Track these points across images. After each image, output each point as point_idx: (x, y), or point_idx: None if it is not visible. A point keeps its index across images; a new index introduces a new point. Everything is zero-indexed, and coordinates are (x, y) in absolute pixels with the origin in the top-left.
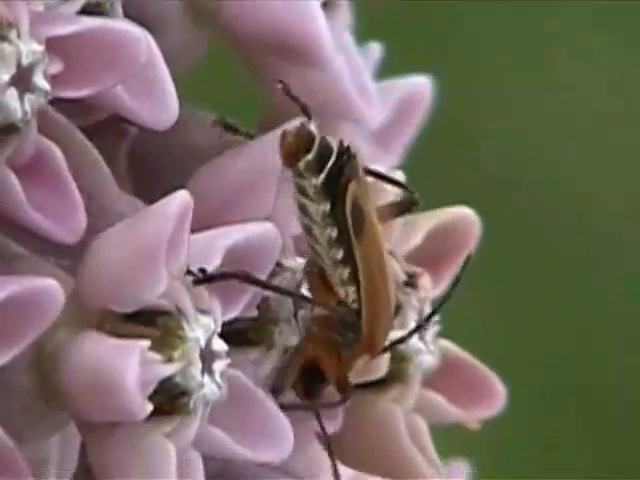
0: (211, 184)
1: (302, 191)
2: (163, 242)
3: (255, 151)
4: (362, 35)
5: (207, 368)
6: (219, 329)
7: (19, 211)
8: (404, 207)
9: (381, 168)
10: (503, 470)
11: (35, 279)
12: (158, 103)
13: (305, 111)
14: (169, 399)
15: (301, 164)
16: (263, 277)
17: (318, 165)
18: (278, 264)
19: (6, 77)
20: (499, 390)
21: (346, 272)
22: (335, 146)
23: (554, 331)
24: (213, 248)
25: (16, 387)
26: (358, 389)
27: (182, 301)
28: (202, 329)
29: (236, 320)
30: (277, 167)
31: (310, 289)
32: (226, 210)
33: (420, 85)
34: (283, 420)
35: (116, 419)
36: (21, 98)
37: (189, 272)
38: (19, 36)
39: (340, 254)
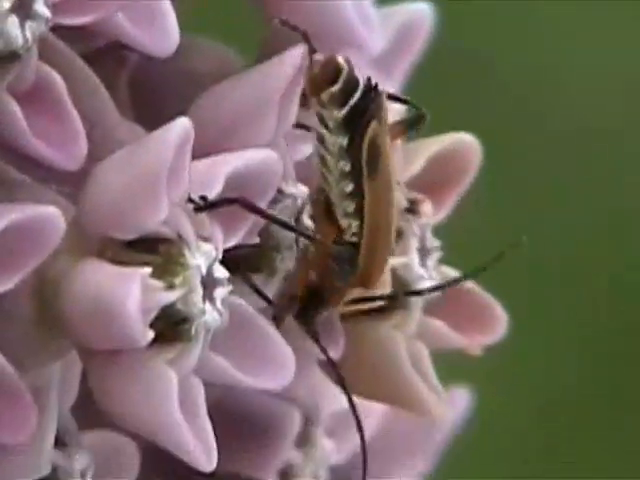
0: (212, 111)
1: (322, 121)
2: (164, 169)
3: (256, 78)
4: None
5: (208, 295)
6: (220, 256)
7: (20, 139)
8: (412, 123)
9: None
10: (505, 397)
11: (36, 207)
12: (159, 30)
13: (305, 38)
14: (170, 326)
15: (325, 95)
16: (264, 204)
17: (342, 98)
18: (279, 191)
19: (7, 4)
20: (501, 316)
21: (352, 206)
22: (362, 82)
23: (558, 248)
24: (214, 175)
25: (17, 315)
26: (359, 316)
27: (183, 228)
28: (203, 256)
29: (237, 247)
30: (278, 94)
31: (313, 216)
32: (227, 137)
33: (420, 12)
34: (285, 347)
35: (117, 346)
36: (22, 25)
37: (190, 200)
38: None
39: (349, 187)
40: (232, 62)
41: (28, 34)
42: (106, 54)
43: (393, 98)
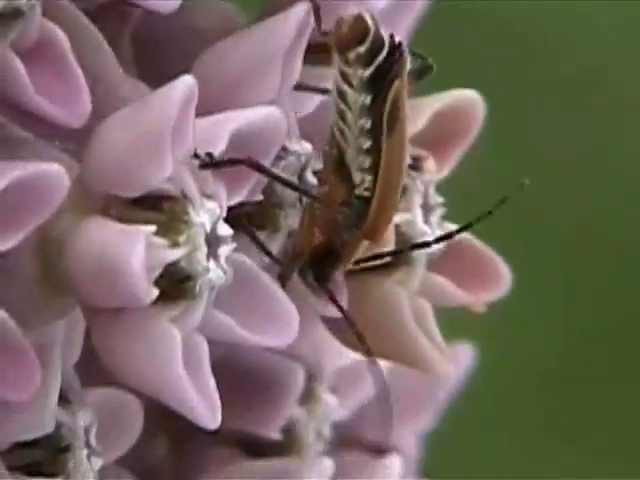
0: (215, 69)
1: (345, 78)
2: (168, 127)
3: (260, 35)
4: None
5: (212, 253)
6: (224, 214)
7: (24, 96)
8: (419, 73)
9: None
10: (507, 354)
11: (40, 164)
12: None
13: None
14: (174, 284)
15: (352, 54)
16: (268, 161)
17: (369, 58)
18: (283, 148)
19: None
20: (504, 272)
21: (368, 161)
22: (387, 41)
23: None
24: (218, 132)
25: (21, 273)
26: (363, 272)
27: (187, 186)
28: (207, 214)
29: (241, 204)
30: (282, 51)
31: (323, 169)
32: (231, 94)
33: None
34: (289, 304)
35: (121, 304)
36: None
37: (196, 155)
38: None
39: (367, 144)
40: (235, 18)
41: None
42: (109, 10)
43: None
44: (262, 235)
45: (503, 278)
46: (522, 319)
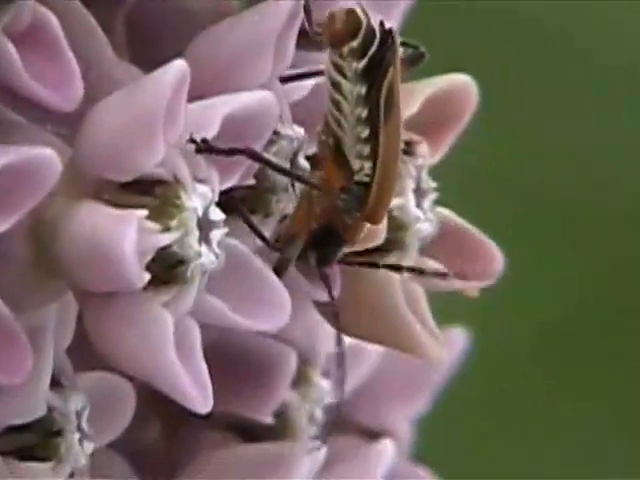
0: (208, 52)
1: (339, 70)
2: (160, 111)
3: (252, 19)
4: None
5: (204, 237)
6: (216, 198)
7: (16, 80)
8: (412, 61)
9: None
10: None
11: (32, 148)
12: None
13: None
14: (166, 268)
15: (345, 49)
16: (260, 146)
17: (362, 51)
18: (275, 132)
19: None
20: (497, 257)
21: (367, 149)
22: (378, 32)
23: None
24: (210, 117)
25: (13, 256)
26: (355, 257)
27: (179, 170)
28: (199, 198)
29: (233, 189)
30: (274, 35)
31: (319, 157)
32: (223, 78)
33: None
34: (281, 288)
35: (113, 288)
36: None
37: (192, 140)
38: None
39: (365, 132)
40: (227, 1)
41: None
42: None
43: None
44: (254, 219)
45: (496, 262)
46: (514, 303)
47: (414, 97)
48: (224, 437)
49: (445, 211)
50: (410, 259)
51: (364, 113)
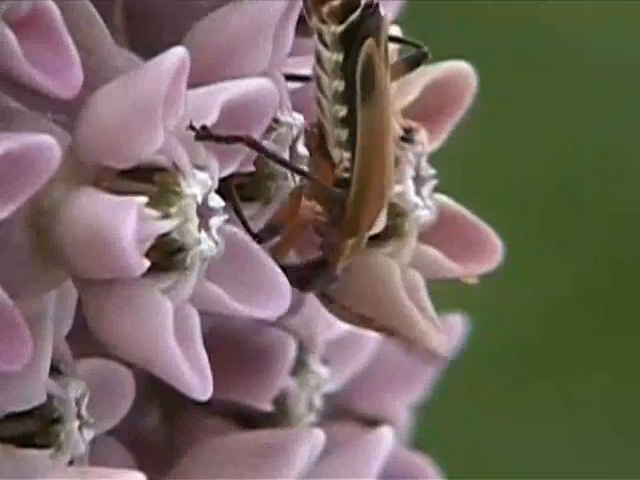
0: (207, 40)
1: (320, 37)
2: (160, 98)
3: (251, 6)
4: None
5: (204, 224)
6: (216, 185)
7: (16, 67)
8: (415, 61)
9: None
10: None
11: (31, 135)
12: None
13: None
14: (166, 255)
15: (325, 8)
16: (259, 133)
17: (342, 14)
18: (275, 119)
19: None
20: (496, 244)
21: (345, 133)
22: (363, 1)
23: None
24: (209, 103)
25: (13, 244)
26: None
27: (179, 157)
28: (199, 185)
29: (233, 176)
30: (273, 22)
31: (307, 149)
32: (222, 65)
33: None
34: (280, 275)
35: (113, 276)
36: None
37: (192, 127)
38: None
39: (343, 111)
40: None
41: None
42: None
43: (393, 40)
44: (254, 207)
45: (495, 249)
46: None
47: (413, 84)
48: (223, 424)
49: (444, 198)
50: (409, 247)
51: (340, 87)
